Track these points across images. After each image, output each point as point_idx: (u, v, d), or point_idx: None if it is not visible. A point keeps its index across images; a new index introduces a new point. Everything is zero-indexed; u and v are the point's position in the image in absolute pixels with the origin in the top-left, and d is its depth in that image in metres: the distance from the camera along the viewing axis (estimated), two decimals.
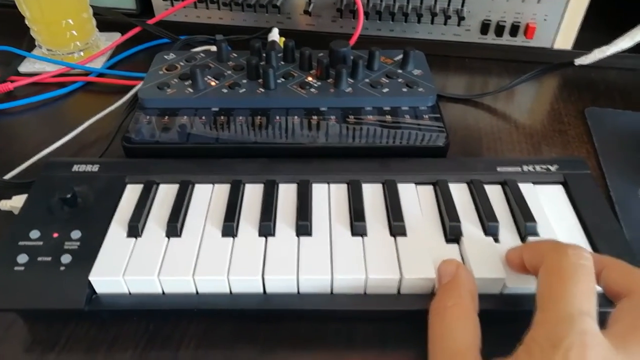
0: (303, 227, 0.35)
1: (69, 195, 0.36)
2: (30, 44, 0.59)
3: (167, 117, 0.45)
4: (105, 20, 0.62)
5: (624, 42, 0.50)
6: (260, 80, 0.47)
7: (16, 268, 0.32)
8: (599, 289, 0.29)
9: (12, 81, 0.55)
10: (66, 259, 0.33)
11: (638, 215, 0.40)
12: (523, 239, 0.35)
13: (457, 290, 0.29)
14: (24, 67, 0.58)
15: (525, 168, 0.40)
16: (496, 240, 0.35)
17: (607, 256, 0.31)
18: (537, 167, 0.40)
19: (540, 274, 0.28)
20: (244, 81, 0.47)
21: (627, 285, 0.27)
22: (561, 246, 0.28)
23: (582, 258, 0.27)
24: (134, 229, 0.35)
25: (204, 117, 0.45)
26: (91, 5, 0.59)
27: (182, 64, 0.50)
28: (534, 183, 0.39)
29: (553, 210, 0.37)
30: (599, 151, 0.47)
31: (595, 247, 0.34)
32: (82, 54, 0.59)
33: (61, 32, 0.57)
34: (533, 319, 0.25)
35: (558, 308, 0.25)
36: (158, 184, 0.39)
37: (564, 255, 0.27)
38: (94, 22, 0.60)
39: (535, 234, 0.35)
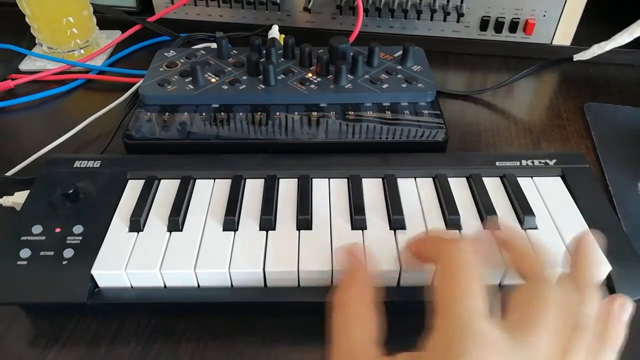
0: (304, 221, 0.35)
1: (71, 191, 0.36)
2: (30, 42, 0.60)
3: (167, 113, 0.45)
4: (106, 18, 0.62)
5: (622, 38, 0.51)
6: (260, 77, 0.47)
7: (19, 262, 0.33)
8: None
9: (13, 79, 0.55)
10: (68, 253, 0.33)
11: (636, 209, 0.41)
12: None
13: (356, 282, 0.29)
14: (24, 65, 0.58)
15: (524, 163, 0.40)
16: None
17: (514, 234, 0.32)
18: (536, 162, 0.40)
19: (436, 277, 0.28)
20: (244, 78, 0.48)
21: (525, 269, 0.28)
22: (452, 245, 0.28)
23: (470, 253, 0.27)
24: (136, 224, 0.35)
25: (204, 114, 0.45)
26: (91, 3, 0.59)
27: (182, 61, 0.50)
28: (533, 177, 0.39)
29: (553, 202, 0.37)
30: (598, 146, 0.47)
31: None
32: (82, 51, 0.59)
33: (62, 30, 0.57)
34: (434, 323, 0.25)
35: (454, 313, 0.25)
36: (159, 180, 0.39)
37: (455, 256, 0.27)
38: (94, 20, 0.60)
39: (535, 227, 0.35)
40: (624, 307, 0.28)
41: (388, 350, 0.26)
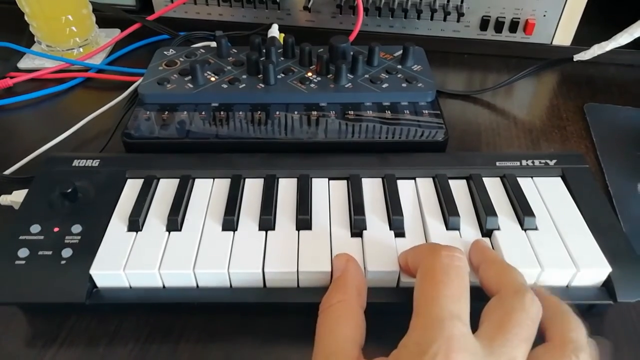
0: (303, 221, 0.35)
1: (69, 190, 0.36)
2: (29, 40, 0.59)
3: (167, 112, 0.45)
4: (105, 17, 0.62)
5: (622, 38, 0.50)
6: (260, 76, 0.47)
7: (17, 262, 0.32)
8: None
9: (11, 77, 0.55)
10: (67, 253, 0.33)
11: (636, 209, 0.41)
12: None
13: (344, 287, 0.29)
14: (23, 63, 0.58)
15: (524, 163, 0.40)
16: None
17: (490, 251, 0.32)
18: (536, 162, 0.40)
19: (417, 278, 0.28)
20: (244, 77, 0.48)
21: (497, 283, 0.28)
22: (435, 249, 0.28)
23: (454, 259, 0.27)
24: (135, 223, 0.35)
25: (203, 113, 0.45)
26: (91, 2, 0.59)
27: (182, 59, 0.50)
28: (533, 177, 0.39)
29: (553, 202, 0.37)
30: (598, 146, 0.47)
31: None
32: (81, 50, 0.59)
33: (61, 28, 0.57)
34: (410, 324, 0.26)
35: (429, 312, 0.25)
36: (158, 179, 0.39)
37: (437, 258, 0.27)
38: (93, 18, 0.60)
39: (535, 228, 0.35)
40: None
41: (371, 354, 0.26)
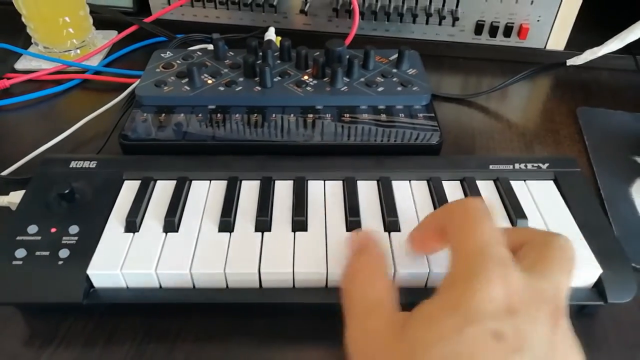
0: (299, 222, 0.35)
1: (66, 191, 0.36)
2: (26, 42, 0.60)
3: (164, 114, 0.45)
4: (102, 19, 0.62)
5: (614, 44, 0.51)
6: (256, 79, 0.48)
7: (14, 262, 0.33)
8: None
9: (8, 78, 0.55)
10: (64, 253, 0.33)
11: (627, 212, 0.41)
12: None
13: (367, 252, 0.29)
14: (20, 65, 0.58)
15: (517, 166, 0.40)
16: None
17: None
18: (529, 165, 0.40)
19: (450, 227, 0.27)
20: (241, 79, 0.48)
21: (525, 235, 0.28)
22: (459, 201, 0.28)
23: (479, 203, 0.27)
24: (132, 224, 0.35)
25: (200, 115, 0.45)
26: (88, 3, 0.59)
27: (179, 62, 0.51)
28: (526, 180, 0.40)
29: (545, 205, 0.37)
30: (590, 150, 0.48)
31: None
32: (78, 51, 0.59)
33: (58, 30, 0.57)
34: (449, 264, 0.25)
35: (473, 241, 0.24)
36: (155, 181, 0.39)
37: (469, 204, 0.27)
38: (90, 20, 0.60)
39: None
40: None
41: None
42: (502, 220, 0.36)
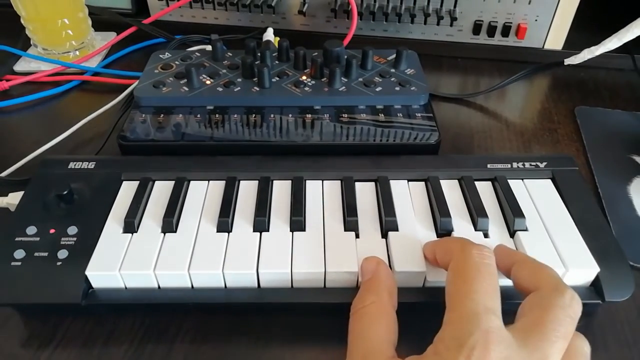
0: (297, 222, 0.35)
1: (65, 192, 0.36)
2: (25, 43, 0.60)
3: (162, 115, 0.45)
4: (101, 20, 0.62)
5: (612, 43, 0.51)
6: (255, 79, 0.48)
7: (13, 263, 0.33)
8: (509, 283, 0.30)
9: (7, 80, 0.55)
10: (63, 254, 0.33)
11: (624, 211, 0.41)
12: (512, 234, 0.35)
13: (376, 288, 0.30)
14: (19, 66, 0.58)
15: (515, 165, 0.40)
16: (486, 235, 0.35)
17: (519, 252, 0.32)
18: (527, 164, 0.40)
19: (448, 274, 0.28)
20: (239, 80, 0.48)
21: (534, 281, 0.28)
22: (466, 247, 0.29)
23: (485, 258, 0.28)
24: (130, 225, 0.35)
25: (199, 115, 0.45)
26: (87, 5, 0.59)
27: (177, 63, 0.51)
28: (524, 179, 0.40)
29: (543, 204, 0.37)
30: (588, 149, 0.48)
31: None
32: (77, 53, 0.59)
33: (57, 32, 0.57)
34: (443, 319, 0.26)
35: (464, 306, 0.25)
36: (154, 181, 0.39)
37: (468, 256, 0.28)
38: (89, 21, 0.60)
39: (525, 229, 0.35)
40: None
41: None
42: (501, 220, 0.36)
